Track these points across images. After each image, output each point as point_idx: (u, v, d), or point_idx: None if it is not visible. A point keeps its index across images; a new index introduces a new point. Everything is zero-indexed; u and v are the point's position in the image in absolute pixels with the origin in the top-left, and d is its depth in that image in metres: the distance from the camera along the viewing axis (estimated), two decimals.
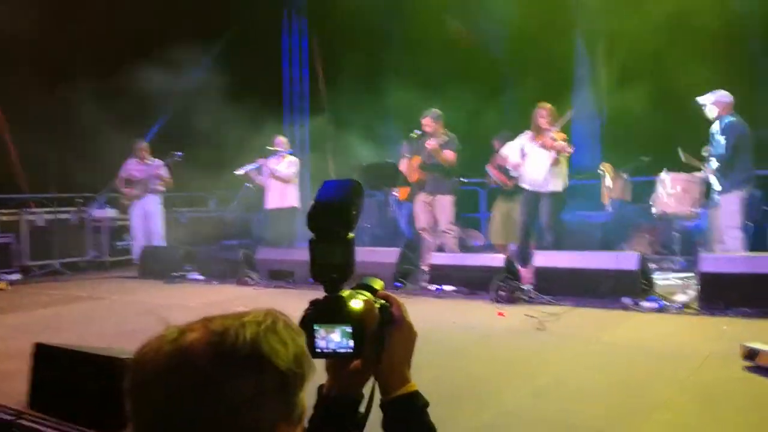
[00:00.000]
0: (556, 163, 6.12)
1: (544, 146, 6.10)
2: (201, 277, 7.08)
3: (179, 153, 7.98)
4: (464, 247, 8.90)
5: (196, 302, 5.49)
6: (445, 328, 4.15)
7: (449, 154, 6.57)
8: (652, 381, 2.87)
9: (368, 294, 1.16)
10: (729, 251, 5.78)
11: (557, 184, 6.24)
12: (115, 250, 8.64)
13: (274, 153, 7.86)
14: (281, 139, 8.05)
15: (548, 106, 6.35)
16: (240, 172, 7.83)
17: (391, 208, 9.47)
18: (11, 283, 7.00)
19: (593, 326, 4.08)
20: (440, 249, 6.83)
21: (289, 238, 7.88)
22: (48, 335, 4.22)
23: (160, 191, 8.13)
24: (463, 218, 9.55)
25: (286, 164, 7.88)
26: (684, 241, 7.22)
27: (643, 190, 7.93)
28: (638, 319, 4.24)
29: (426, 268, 6.16)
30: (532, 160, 6.24)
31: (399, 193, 8.65)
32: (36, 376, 2.72)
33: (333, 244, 1.14)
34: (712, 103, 5.90)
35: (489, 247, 9.60)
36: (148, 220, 8.07)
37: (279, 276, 6.51)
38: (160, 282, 7.00)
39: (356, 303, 1.12)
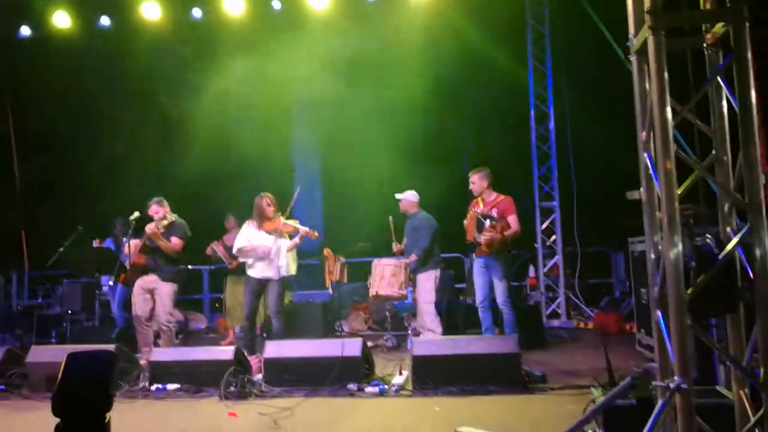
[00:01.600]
0: (293, 248, 6.31)
1: (279, 232, 6.22)
2: None
3: None
4: (186, 332, 8.48)
5: None
6: None
7: (175, 242, 6.28)
8: None
9: None
10: (427, 325, 6.63)
11: (287, 270, 6.38)
12: None
13: None
14: None
15: (270, 195, 6.54)
16: None
17: (100, 291, 8.56)
18: None
19: (324, 419, 4.19)
20: (156, 337, 6.39)
21: None
22: None
23: None
24: (186, 301, 9.16)
25: None
26: (394, 319, 8.00)
27: (359, 271, 8.66)
28: (364, 406, 4.50)
29: (144, 364, 5.67)
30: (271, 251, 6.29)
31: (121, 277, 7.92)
32: None
33: (86, 429, 1.00)
34: (405, 200, 6.90)
35: (212, 330, 9.34)
36: None
37: None
38: None
39: None
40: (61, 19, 9.30)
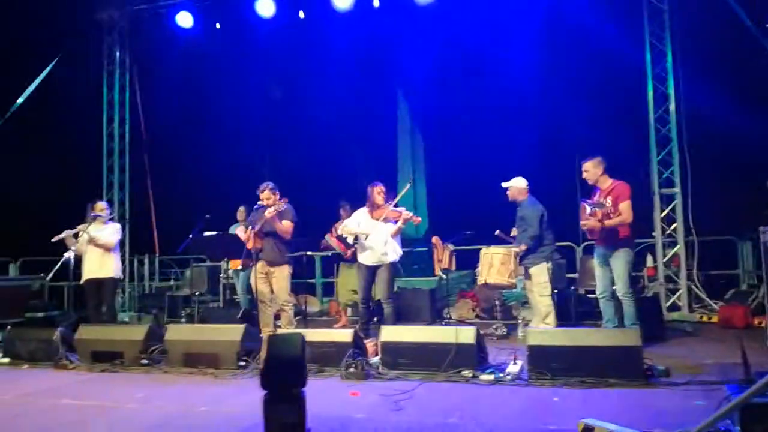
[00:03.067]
0: (397, 233, 6.48)
1: (386, 219, 6.43)
2: (6, 360, 6.21)
3: None
4: (301, 314, 8.91)
5: (11, 394, 4.78)
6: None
7: (287, 225, 6.61)
8: None
9: None
10: (542, 316, 6.56)
11: (394, 255, 6.57)
12: None
13: (95, 219, 7.23)
14: (102, 204, 7.48)
15: (381, 185, 6.73)
16: (58, 238, 7.04)
17: (223, 275, 9.18)
18: None
19: (442, 403, 4.28)
20: (276, 318, 6.77)
21: (110, 312, 7.24)
22: None
23: None
24: (299, 284, 9.59)
25: (110, 231, 7.30)
26: (503, 307, 7.97)
27: (467, 259, 8.70)
28: (480, 393, 4.55)
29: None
30: (370, 234, 6.51)
31: (231, 263, 8.48)
32: None
33: (287, 403, 1.15)
34: (513, 188, 6.79)
35: (325, 313, 9.74)
36: None
37: (104, 358, 5.91)
38: None
39: None
40: (185, 20, 10.13)
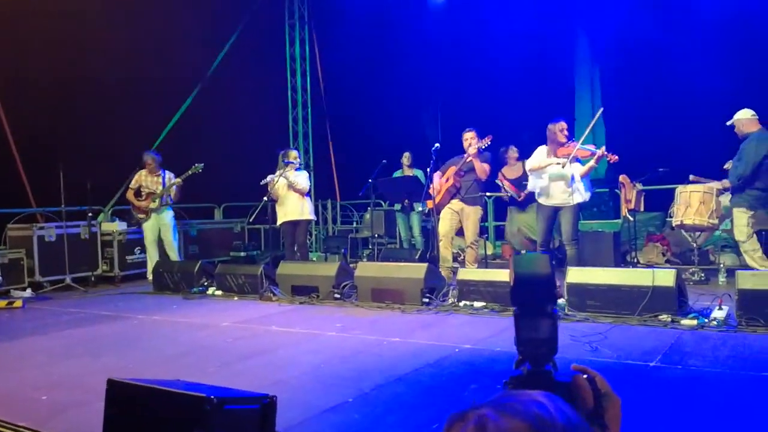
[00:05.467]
0: (587, 173, 6.18)
1: (573, 158, 6.13)
2: (219, 292, 7.02)
3: (201, 164, 7.86)
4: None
5: (228, 321, 5.42)
6: (494, 355, 4.16)
7: (486, 167, 6.63)
8: None
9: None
10: (747, 262, 5.94)
11: (579, 197, 6.27)
12: (125, 264, 8.53)
13: (287, 165, 7.76)
14: (295, 153, 8.01)
15: (563, 121, 6.39)
16: (265, 182, 7.69)
17: (400, 218, 9.46)
18: (24, 300, 6.91)
19: (640, 345, 4.07)
20: (455, 259, 6.87)
21: (303, 251, 7.84)
22: (89, 361, 4.16)
23: (171, 204, 8.09)
24: None
25: (304, 177, 7.82)
26: (700, 252, 7.32)
27: (656, 200, 8.09)
28: (679, 337, 4.26)
29: (451, 283, 6.16)
30: (553, 174, 6.26)
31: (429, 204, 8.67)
32: (110, 418, 2.63)
33: (539, 318, 1.14)
34: (738, 121, 6.08)
35: (498, 257, 9.69)
36: (163, 233, 8.01)
37: (302, 292, 6.45)
38: (178, 298, 6.93)
39: (564, 378, 1.10)
40: None
